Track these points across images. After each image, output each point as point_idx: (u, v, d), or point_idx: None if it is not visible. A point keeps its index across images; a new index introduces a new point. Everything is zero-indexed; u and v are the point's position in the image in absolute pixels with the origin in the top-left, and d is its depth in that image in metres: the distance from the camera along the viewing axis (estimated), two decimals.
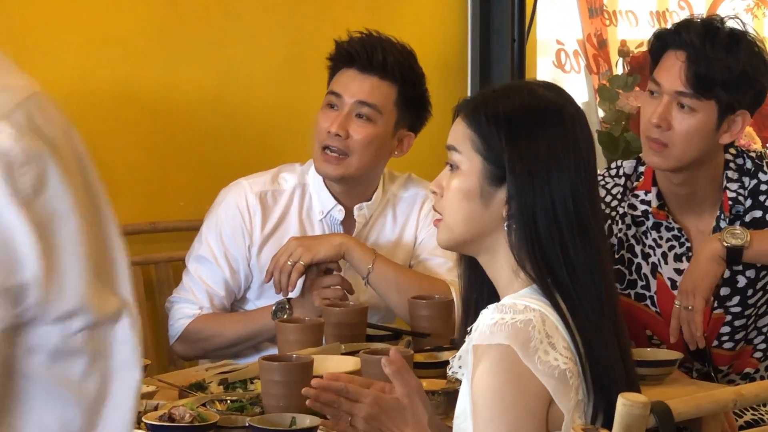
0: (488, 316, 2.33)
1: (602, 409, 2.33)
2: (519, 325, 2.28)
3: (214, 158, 4.25)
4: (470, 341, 2.36)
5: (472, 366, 2.36)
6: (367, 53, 3.57)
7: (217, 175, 3.94)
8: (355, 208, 3.60)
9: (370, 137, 3.52)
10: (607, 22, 5.55)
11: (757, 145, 4.89)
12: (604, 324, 2.40)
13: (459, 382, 2.51)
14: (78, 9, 4.27)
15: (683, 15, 4.54)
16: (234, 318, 3.65)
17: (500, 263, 2.43)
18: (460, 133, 2.44)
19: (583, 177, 2.44)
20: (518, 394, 2.33)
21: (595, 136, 4.93)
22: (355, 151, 3.50)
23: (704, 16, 3.85)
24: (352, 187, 3.61)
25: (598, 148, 4.89)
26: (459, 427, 2.42)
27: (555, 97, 2.52)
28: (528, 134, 2.44)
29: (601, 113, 5.14)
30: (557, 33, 5.50)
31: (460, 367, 2.45)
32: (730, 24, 3.45)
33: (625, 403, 2.11)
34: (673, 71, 3.31)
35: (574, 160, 2.42)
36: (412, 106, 3.61)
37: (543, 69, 5.34)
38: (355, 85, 3.55)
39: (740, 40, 3.34)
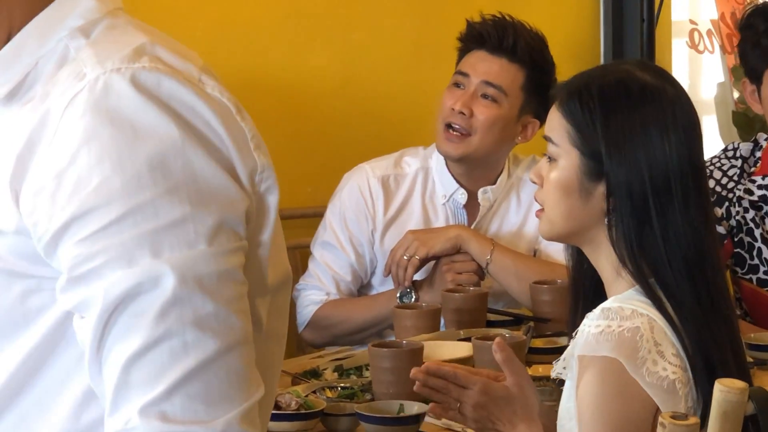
0: (594, 323, 2.26)
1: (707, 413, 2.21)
2: (626, 334, 2.23)
3: (341, 144, 4.21)
4: (575, 346, 2.30)
5: (577, 374, 2.30)
6: (498, 34, 3.51)
7: (344, 161, 3.87)
8: (480, 191, 3.54)
9: (494, 118, 3.47)
10: (744, 1, 5.48)
11: None
12: (714, 318, 2.31)
13: None
14: None
15: None
16: (361, 303, 3.60)
17: (603, 258, 2.37)
18: (556, 124, 2.38)
19: (686, 165, 2.34)
20: (624, 407, 2.28)
21: (731, 116, 4.93)
22: (478, 130, 3.46)
23: None
24: (474, 168, 3.56)
25: (734, 130, 5.05)
26: (561, 424, 2.35)
27: (653, 78, 2.41)
28: (625, 122, 2.36)
29: (736, 94, 5.04)
30: (691, 13, 5.43)
31: (564, 368, 2.37)
32: None
33: (721, 390, 2.05)
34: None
35: (676, 147, 2.33)
36: (540, 93, 3.53)
37: (677, 50, 5.25)
38: (484, 66, 3.51)
39: None
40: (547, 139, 2.40)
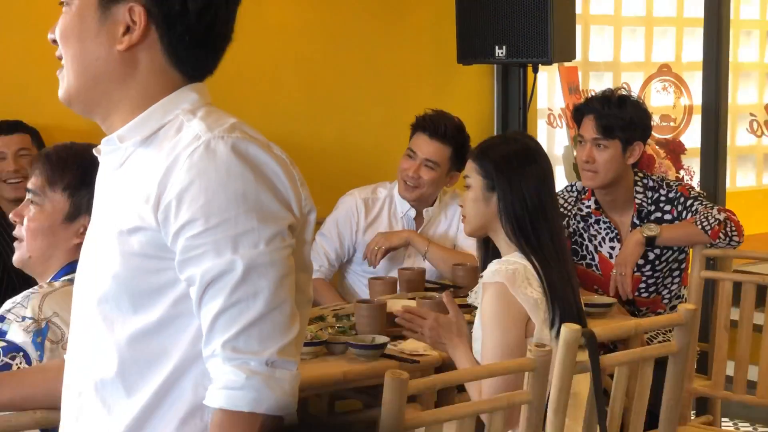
0: (493, 266, 2.81)
1: (558, 324, 2.70)
2: (510, 270, 2.76)
3: (335, 178, 4.53)
4: (481, 282, 2.84)
5: (481, 296, 2.82)
6: (434, 124, 4.01)
7: (337, 190, 4.29)
8: (424, 211, 4.14)
9: (433, 178, 4.02)
10: (581, 97, 5.79)
11: (672, 172, 5.40)
12: (562, 273, 2.84)
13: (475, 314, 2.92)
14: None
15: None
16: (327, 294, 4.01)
17: (500, 238, 2.90)
18: (470, 169, 2.94)
19: (545, 189, 2.91)
20: (507, 312, 2.75)
21: (572, 166, 5.45)
22: (423, 185, 4.02)
23: (602, 91, 4.14)
24: (420, 200, 4.10)
25: (572, 174, 5.54)
26: (475, 338, 2.88)
27: (528, 142, 3.05)
28: (509, 163, 2.89)
29: (574, 152, 5.12)
30: (549, 103, 5.96)
31: (476, 294, 2.91)
32: (622, 92, 3.96)
33: (565, 330, 2.57)
34: (589, 125, 3.79)
35: (540, 178, 2.89)
36: (460, 157, 3.92)
37: (540, 125, 5.75)
38: (426, 148, 4.00)
39: (626, 100, 3.84)
40: (465, 177, 2.99)
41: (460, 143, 4.04)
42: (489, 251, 3.01)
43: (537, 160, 2.93)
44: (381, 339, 3.08)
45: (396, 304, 3.33)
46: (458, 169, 4.02)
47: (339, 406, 3.94)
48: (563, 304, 2.82)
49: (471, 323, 2.97)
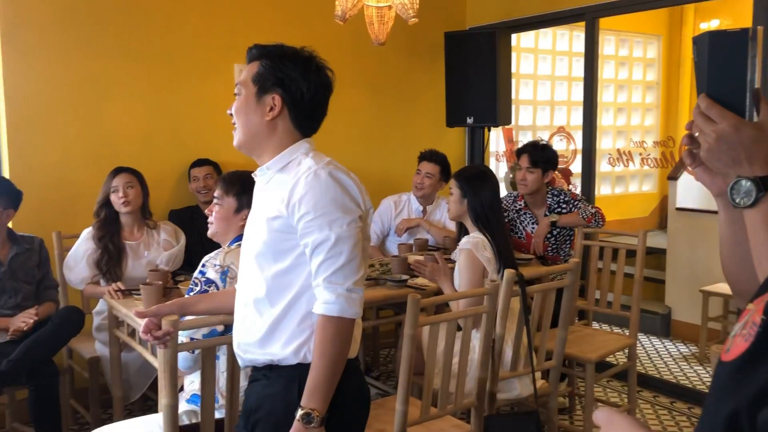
0: (465, 239, 2.81)
1: (502, 271, 2.65)
2: (474, 241, 2.77)
3: (378, 186, 4.34)
4: (459, 247, 2.80)
5: (458, 256, 2.80)
6: (431, 156, 3.93)
7: (380, 193, 4.13)
8: (428, 207, 4.01)
9: (432, 185, 3.95)
10: (514, 145, 5.69)
11: (566, 186, 5.42)
12: (503, 242, 2.81)
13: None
14: None
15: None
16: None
17: (469, 223, 2.86)
18: (453, 183, 2.89)
19: (494, 196, 2.85)
20: (473, 266, 2.74)
21: (510, 183, 5.29)
22: (425, 187, 3.94)
23: (532, 140, 4.13)
24: (425, 199, 3.98)
25: (510, 188, 5.46)
26: (455, 277, 2.82)
27: (485, 169, 2.98)
28: (474, 181, 2.85)
29: (511, 175, 5.43)
30: (496, 148, 5.90)
31: (455, 254, 2.89)
32: (542, 142, 3.85)
33: (506, 273, 2.56)
34: (525, 159, 3.68)
35: (491, 190, 2.85)
36: (445, 173, 3.91)
37: (492, 161, 5.67)
38: (427, 167, 3.93)
39: (546, 146, 3.75)
40: (450, 188, 2.93)
41: (445, 164, 3.96)
42: (462, 230, 2.94)
43: (489, 179, 2.87)
44: (404, 277, 3.05)
45: (412, 258, 3.29)
46: (445, 180, 3.94)
47: (381, 314, 3.87)
48: (504, 260, 2.78)
49: (452, 269, 2.91)
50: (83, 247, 3.23)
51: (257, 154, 1.70)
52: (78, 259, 3.22)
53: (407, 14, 3.36)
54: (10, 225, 3.24)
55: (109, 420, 3.09)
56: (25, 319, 2.89)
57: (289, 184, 1.60)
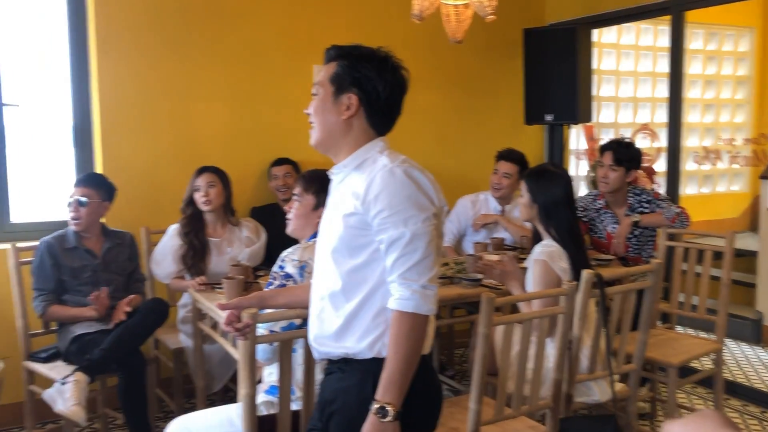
0: (537, 248, 2.69)
1: (578, 278, 2.51)
2: (548, 251, 2.66)
3: (455, 185, 4.30)
4: (532, 257, 2.69)
5: (532, 265, 2.69)
6: (509, 154, 3.89)
7: (456, 192, 4.07)
8: (507, 206, 3.96)
9: (510, 184, 3.91)
10: (595, 143, 5.60)
11: (649, 185, 5.22)
12: (577, 248, 2.70)
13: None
14: None
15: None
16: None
17: (540, 228, 2.76)
18: (523, 186, 2.79)
19: (566, 199, 2.73)
20: (548, 278, 2.63)
21: (591, 181, 5.17)
22: (503, 188, 3.90)
23: (617, 138, 3.87)
24: (503, 199, 3.93)
25: (591, 186, 5.34)
26: (527, 284, 2.71)
27: (556, 169, 2.81)
28: (545, 181, 2.75)
29: (592, 174, 5.33)
30: (579, 145, 5.78)
31: (527, 260, 2.77)
32: (627, 140, 3.75)
33: (584, 274, 2.48)
34: (608, 156, 3.63)
35: (562, 193, 2.72)
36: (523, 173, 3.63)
37: (572, 159, 5.59)
38: (504, 167, 3.88)
39: (630, 144, 3.66)
40: (520, 190, 2.84)
41: (523, 163, 3.90)
42: (536, 232, 2.84)
43: (560, 182, 2.73)
44: (479, 276, 3.01)
45: (488, 258, 3.22)
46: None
47: (455, 313, 3.85)
48: (578, 269, 2.64)
49: (524, 271, 2.81)
50: (170, 242, 3.35)
51: (333, 153, 1.71)
52: (165, 254, 3.35)
53: (484, 12, 3.34)
54: (103, 220, 3.39)
55: (192, 409, 3.15)
56: (124, 310, 3.03)
57: (364, 181, 1.60)
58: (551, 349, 2.51)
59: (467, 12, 3.45)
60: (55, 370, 2.95)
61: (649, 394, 3.48)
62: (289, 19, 4.08)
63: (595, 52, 4.82)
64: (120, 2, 3.67)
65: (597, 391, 2.63)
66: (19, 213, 3.65)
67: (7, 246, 3.20)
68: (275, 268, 2.26)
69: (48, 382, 2.90)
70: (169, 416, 3.45)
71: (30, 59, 3.65)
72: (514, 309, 3.01)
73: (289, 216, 2.43)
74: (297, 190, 2.42)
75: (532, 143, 4.94)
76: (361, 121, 1.67)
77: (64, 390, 2.71)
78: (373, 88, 1.64)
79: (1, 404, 3.37)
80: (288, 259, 2.26)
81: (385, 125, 1.70)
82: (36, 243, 3.17)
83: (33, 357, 3.09)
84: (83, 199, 3.10)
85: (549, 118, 4.46)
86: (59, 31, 3.67)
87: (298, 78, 4.06)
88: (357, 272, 1.60)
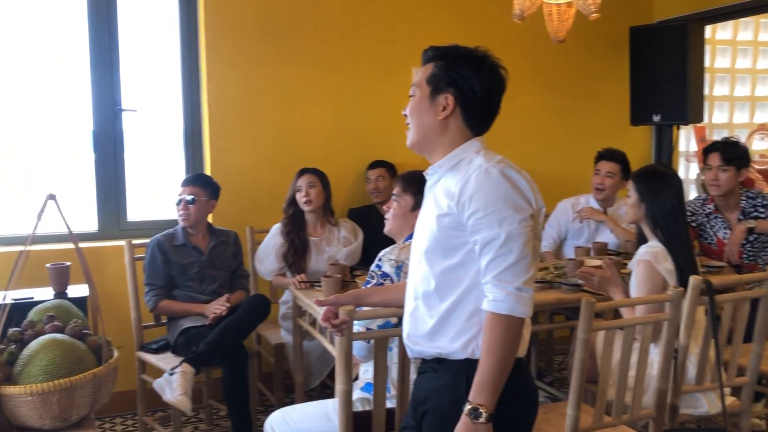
0: (642, 249, 2.62)
1: (684, 283, 2.46)
2: (653, 251, 2.58)
3: (554, 186, 4.10)
4: (636, 258, 2.61)
5: (636, 267, 2.60)
6: (609, 154, 3.74)
7: (557, 195, 3.89)
8: (609, 209, 3.80)
9: (612, 184, 3.72)
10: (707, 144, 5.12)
11: (765, 188, 5.03)
12: (684, 251, 2.60)
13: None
14: None
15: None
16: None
17: (647, 229, 2.66)
18: (630, 186, 2.70)
19: (676, 201, 2.64)
20: (652, 279, 2.55)
21: (701, 185, 4.83)
22: (606, 188, 3.72)
23: (722, 138, 3.69)
24: (605, 201, 3.77)
25: (701, 190, 4.91)
26: (630, 289, 2.66)
27: (666, 170, 2.72)
28: (654, 183, 2.65)
29: (702, 177, 4.62)
30: (687, 146, 5.62)
31: (631, 264, 2.67)
32: (733, 138, 3.62)
33: (692, 280, 2.45)
34: (715, 158, 3.50)
35: (672, 195, 2.63)
36: (627, 173, 3.69)
37: (681, 161, 5.48)
38: (607, 166, 3.73)
39: (737, 143, 3.53)
40: (627, 190, 2.75)
41: (624, 162, 3.77)
42: (641, 235, 2.75)
43: (670, 184, 2.65)
44: (579, 281, 2.94)
45: (590, 262, 3.17)
46: (626, 178, 3.73)
47: (555, 319, 3.81)
48: (686, 277, 2.54)
49: (628, 275, 2.73)
50: (273, 241, 3.45)
51: (429, 153, 1.71)
52: (268, 252, 3.45)
53: (588, 10, 3.26)
54: (210, 219, 3.53)
55: (291, 404, 3.17)
56: (218, 306, 3.13)
57: (459, 181, 1.60)
58: (655, 356, 2.45)
59: (570, 11, 3.39)
60: (165, 360, 3.08)
61: (765, 411, 3.31)
62: (390, 23, 4.13)
63: (708, 50, 4.65)
64: (229, 11, 3.79)
65: (706, 403, 2.55)
66: (134, 212, 3.84)
67: (122, 243, 3.34)
68: (373, 267, 2.28)
69: (158, 372, 3.04)
70: (269, 410, 3.52)
71: (146, 66, 3.83)
72: (617, 315, 2.91)
73: (388, 216, 2.46)
74: (396, 190, 2.44)
75: (638, 145, 4.83)
76: (457, 122, 1.67)
77: (172, 380, 2.81)
78: (469, 87, 1.64)
79: (115, 391, 3.55)
80: (386, 259, 2.29)
81: (482, 125, 1.69)
82: (148, 240, 3.31)
83: (145, 348, 3.24)
84: (190, 197, 3.23)
85: (656, 118, 4.35)
86: (172, 40, 3.85)
87: (397, 81, 4.09)
88: (451, 273, 1.60)
